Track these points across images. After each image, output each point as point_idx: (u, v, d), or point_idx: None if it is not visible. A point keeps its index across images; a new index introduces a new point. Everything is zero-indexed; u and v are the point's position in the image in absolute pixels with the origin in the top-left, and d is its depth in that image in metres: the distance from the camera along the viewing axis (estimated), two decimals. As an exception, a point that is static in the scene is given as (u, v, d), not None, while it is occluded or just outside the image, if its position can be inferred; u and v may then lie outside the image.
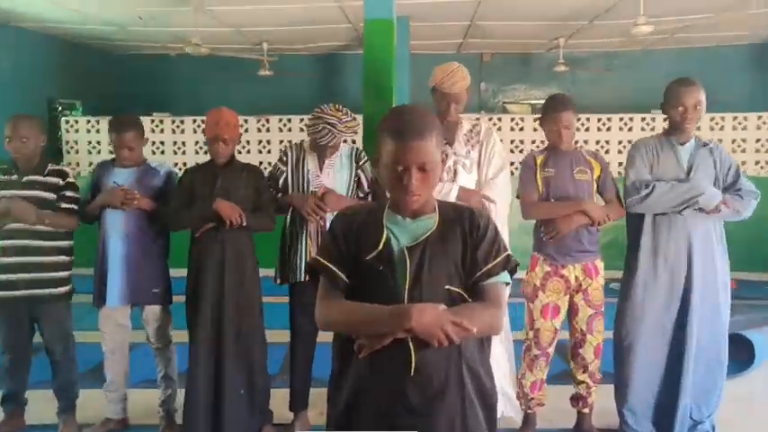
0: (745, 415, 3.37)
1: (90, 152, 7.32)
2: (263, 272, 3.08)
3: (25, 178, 3.04)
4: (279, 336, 3.32)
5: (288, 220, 3.13)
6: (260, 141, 7.28)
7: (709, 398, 2.99)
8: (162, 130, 7.27)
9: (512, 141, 7.12)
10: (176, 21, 7.37)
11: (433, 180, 1.55)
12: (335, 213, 1.74)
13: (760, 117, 6.89)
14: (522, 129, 7.12)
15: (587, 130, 7.05)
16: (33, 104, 7.88)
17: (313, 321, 2.88)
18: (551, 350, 3.05)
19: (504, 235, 2.97)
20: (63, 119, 7.58)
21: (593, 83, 10.00)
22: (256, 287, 3.08)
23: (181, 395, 3.14)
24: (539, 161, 3.04)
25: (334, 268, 1.60)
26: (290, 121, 7.29)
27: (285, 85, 9.25)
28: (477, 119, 3.00)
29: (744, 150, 6.90)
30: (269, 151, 7.27)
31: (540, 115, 3.11)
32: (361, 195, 3.13)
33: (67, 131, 7.35)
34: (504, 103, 10.34)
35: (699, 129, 6.64)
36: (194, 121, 7.30)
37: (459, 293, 1.55)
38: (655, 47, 9.34)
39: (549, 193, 2.99)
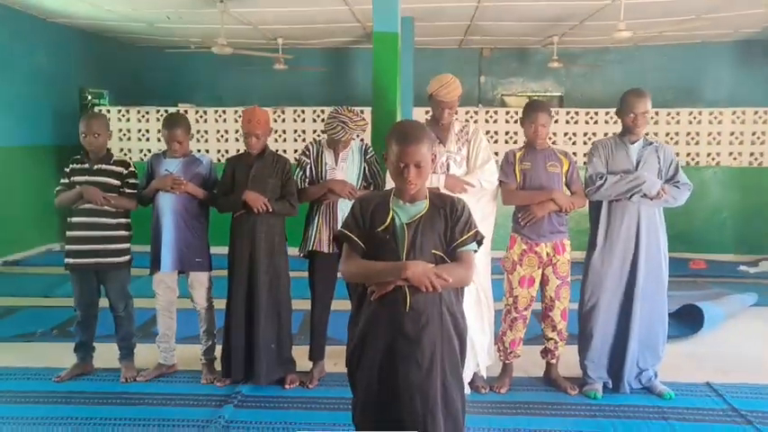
0: (687, 366, 4.03)
1: (120, 139, 7.95)
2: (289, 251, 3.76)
3: (96, 167, 3.69)
4: (297, 304, 3.90)
5: (308, 206, 3.82)
6: (275, 131, 7.85)
7: (654, 350, 3.64)
8: (186, 120, 7.88)
9: (506, 132, 7.70)
10: (200, 19, 7.98)
11: (425, 174, 2.21)
12: (357, 197, 2.41)
13: (734, 112, 7.44)
14: (516, 121, 7.67)
15: (576, 123, 7.62)
16: (66, 93, 8.60)
17: (329, 286, 3.66)
18: (527, 314, 3.68)
19: (494, 212, 3.64)
20: (95, 108, 8.21)
21: (586, 77, 10.56)
22: (283, 257, 3.73)
23: (218, 348, 3.84)
24: (518, 156, 3.65)
25: (353, 237, 2.26)
26: (303, 112, 7.84)
27: (299, 78, 9.79)
28: (467, 121, 3.54)
29: (719, 143, 7.46)
30: (284, 140, 7.87)
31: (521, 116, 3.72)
32: (365, 185, 3.76)
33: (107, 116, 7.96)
34: (503, 95, 10.90)
35: (678, 123, 7.30)
36: (216, 111, 7.91)
37: (442, 256, 2.22)
38: (644, 43, 9.86)
39: (526, 182, 3.59)
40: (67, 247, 3.72)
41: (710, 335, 4.59)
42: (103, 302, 3.85)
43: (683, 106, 7.83)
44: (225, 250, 3.73)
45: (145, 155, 7.93)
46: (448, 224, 2.22)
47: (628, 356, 3.58)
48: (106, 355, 3.94)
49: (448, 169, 3.54)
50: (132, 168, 3.80)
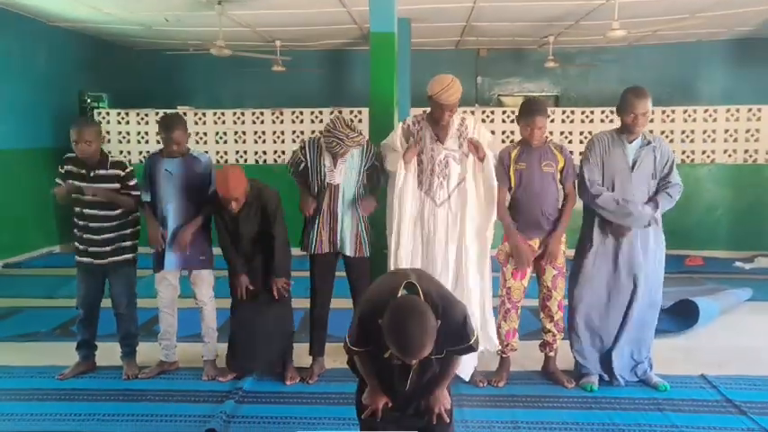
0: (682, 359, 4.08)
1: (120, 141, 7.99)
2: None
3: (93, 173, 3.71)
4: (297, 302, 3.94)
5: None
6: (274, 132, 7.91)
7: (645, 341, 3.68)
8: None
9: (503, 132, 7.76)
10: (198, 21, 8.04)
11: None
12: (362, 303, 2.45)
13: (729, 110, 7.49)
14: (513, 120, 7.73)
15: (572, 122, 7.67)
16: (66, 96, 8.66)
17: (328, 283, 3.68)
18: (520, 305, 3.72)
19: (493, 217, 3.60)
20: (95, 111, 8.26)
21: (581, 77, 10.63)
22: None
23: (220, 346, 3.91)
24: (513, 155, 3.64)
25: (359, 350, 2.42)
26: (301, 113, 7.88)
27: (297, 79, 9.83)
28: (465, 111, 3.51)
29: (714, 140, 7.51)
30: (282, 141, 7.91)
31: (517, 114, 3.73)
32: (364, 188, 3.78)
33: (99, 122, 8.01)
34: (499, 95, 10.97)
35: (673, 121, 7.35)
36: (214, 113, 7.96)
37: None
38: (639, 43, 9.93)
39: (520, 184, 3.61)
40: (76, 244, 3.79)
41: (705, 329, 4.65)
42: (106, 302, 3.90)
43: (677, 104, 7.89)
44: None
45: (144, 157, 7.96)
46: (448, 330, 2.30)
47: (618, 351, 3.64)
48: (108, 353, 3.99)
49: (447, 167, 3.53)
50: (129, 169, 3.81)
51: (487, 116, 7.78)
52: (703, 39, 9.79)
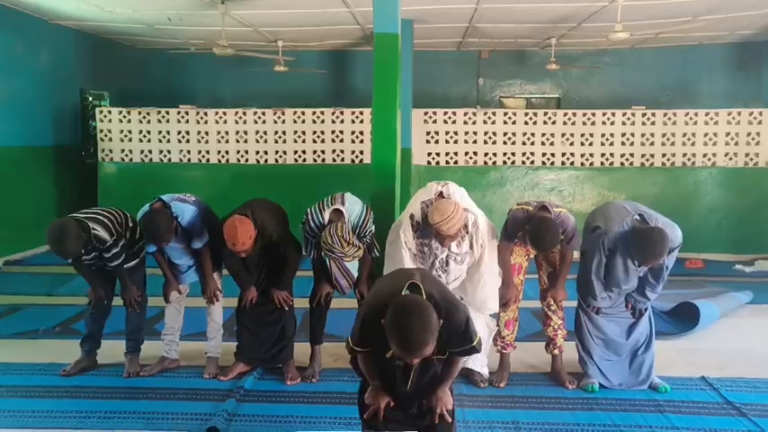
0: (682, 361, 4.10)
1: (122, 140, 8.00)
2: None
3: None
4: (297, 302, 3.94)
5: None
6: (276, 132, 7.93)
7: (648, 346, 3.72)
8: (187, 121, 7.95)
9: (504, 134, 7.77)
10: (201, 21, 8.04)
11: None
12: (365, 304, 2.48)
13: (730, 113, 7.51)
14: (514, 122, 7.77)
15: (573, 124, 7.69)
16: (68, 94, 8.67)
17: (328, 279, 3.62)
18: (518, 297, 3.77)
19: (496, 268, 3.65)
20: (97, 109, 8.25)
21: (583, 79, 10.65)
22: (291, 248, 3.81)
23: (224, 345, 3.96)
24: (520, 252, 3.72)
25: (364, 350, 2.43)
26: (303, 113, 7.90)
27: (299, 79, 9.83)
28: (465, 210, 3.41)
29: (715, 143, 7.53)
30: (284, 141, 7.92)
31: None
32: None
33: (101, 121, 8.03)
34: (501, 97, 10.98)
35: (674, 124, 7.40)
36: (216, 113, 7.97)
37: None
38: (641, 45, 9.95)
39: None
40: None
41: (706, 331, 4.65)
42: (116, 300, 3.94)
43: (679, 107, 7.91)
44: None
45: (146, 155, 7.99)
46: (449, 330, 2.33)
47: (626, 360, 3.69)
48: (109, 351, 4.00)
49: (446, 265, 3.49)
50: (109, 244, 3.61)
51: (489, 118, 7.80)
52: (705, 42, 9.80)
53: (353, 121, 7.83)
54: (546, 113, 7.83)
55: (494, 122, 7.78)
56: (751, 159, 7.51)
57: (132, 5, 7.42)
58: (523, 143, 7.76)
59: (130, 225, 3.78)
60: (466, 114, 7.81)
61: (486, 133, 7.77)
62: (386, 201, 4.23)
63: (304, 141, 7.88)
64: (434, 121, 7.81)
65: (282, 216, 3.83)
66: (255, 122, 7.92)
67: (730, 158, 7.55)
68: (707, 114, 7.55)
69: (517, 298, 3.75)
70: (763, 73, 9.90)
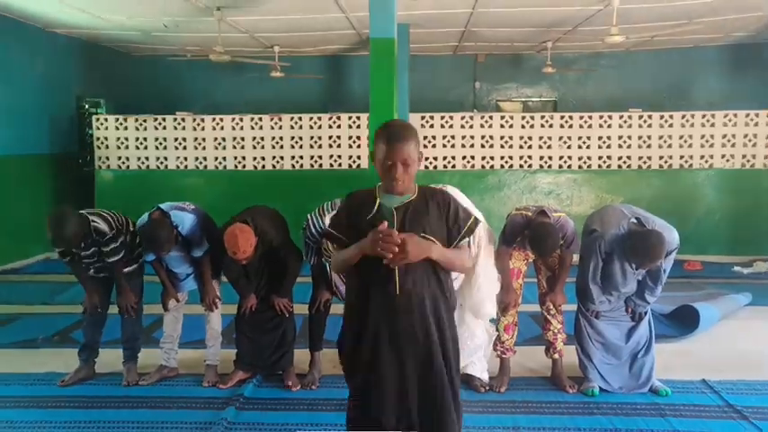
0: (683, 364, 4.07)
1: (119, 147, 7.99)
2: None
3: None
4: (296, 308, 3.94)
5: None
6: (273, 138, 7.92)
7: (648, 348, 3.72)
8: (184, 128, 7.94)
9: (501, 137, 7.78)
10: (197, 27, 8.05)
11: (412, 171, 2.22)
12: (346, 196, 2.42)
13: (726, 115, 7.53)
14: (511, 126, 7.77)
15: (570, 127, 7.70)
16: (64, 102, 8.67)
17: (327, 283, 3.59)
18: (518, 301, 3.76)
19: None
20: (93, 117, 8.24)
21: (580, 82, 10.68)
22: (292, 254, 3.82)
23: (222, 352, 3.93)
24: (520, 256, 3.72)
25: (336, 233, 2.30)
26: (300, 119, 7.88)
27: (295, 85, 9.85)
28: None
29: (712, 145, 7.54)
30: (281, 146, 7.91)
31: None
32: None
33: (98, 128, 8.01)
34: (498, 100, 11.00)
35: (671, 126, 7.41)
36: (213, 119, 7.95)
37: (431, 239, 2.20)
38: (637, 48, 9.98)
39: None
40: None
41: (706, 334, 4.65)
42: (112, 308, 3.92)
43: (675, 109, 7.93)
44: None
45: (142, 163, 7.97)
46: (441, 215, 2.24)
47: (626, 364, 3.68)
48: (108, 360, 3.98)
49: None
50: (106, 240, 3.62)
51: (486, 121, 7.81)
52: (701, 44, 9.83)
53: (350, 126, 7.81)
54: (543, 117, 7.85)
55: (491, 126, 7.79)
56: (748, 161, 7.53)
57: (127, 12, 7.42)
58: (521, 147, 7.77)
59: (131, 229, 3.78)
60: (463, 118, 7.81)
61: (483, 137, 7.78)
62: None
63: (301, 147, 7.87)
64: (431, 126, 7.81)
65: (282, 222, 3.83)
66: (252, 128, 7.91)
67: (727, 160, 7.57)
68: (703, 116, 7.58)
69: (516, 302, 3.74)
70: (758, 74, 9.92)
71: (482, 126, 7.78)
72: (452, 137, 7.82)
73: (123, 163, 8.01)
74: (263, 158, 7.95)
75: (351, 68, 10.65)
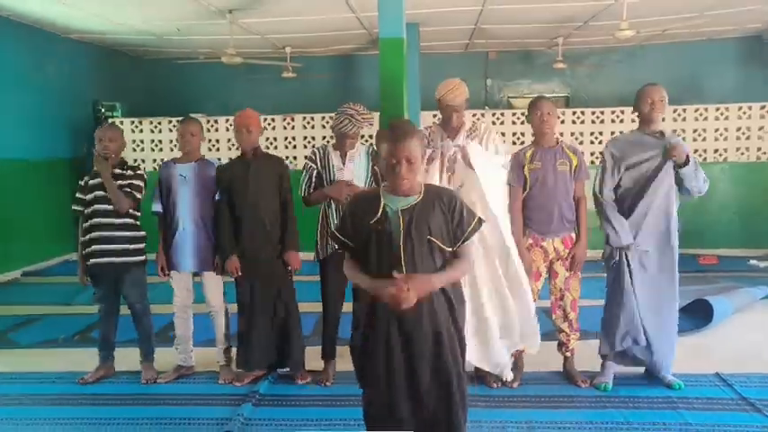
0: (696, 357, 4.07)
1: (134, 150, 8.10)
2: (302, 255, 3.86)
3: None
4: (310, 306, 4.07)
5: (321, 210, 3.86)
6: (285, 138, 8.00)
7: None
8: (198, 129, 8.02)
9: (514, 134, 7.78)
10: (209, 30, 8.13)
11: (416, 169, 2.24)
12: (350, 199, 2.48)
13: (740, 108, 7.48)
14: (523, 122, 7.76)
15: (582, 122, 7.69)
16: (81, 106, 8.79)
17: (339, 285, 3.68)
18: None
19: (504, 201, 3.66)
20: (109, 120, 8.37)
21: (591, 77, 10.61)
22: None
23: (233, 350, 3.97)
24: (527, 155, 3.69)
25: (342, 238, 2.34)
26: (312, 119, 7.96)
27: (307, 85, 9.91)
28: (478, 117, 3.58)
29: (726, 139, 7.49)
30: (294, 146, 7.99)
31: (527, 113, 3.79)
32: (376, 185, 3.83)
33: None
34: (509, 97, 10.97)
35: (684, 120, 7.34)
36: (227, 120, 8.03)
37: (438, 244, 2.24)
38: (648, 42, 9.90)
39: (535, 183, 3.64)
40: (85, 252, 3.92)
41: (720, 327, 4.64)
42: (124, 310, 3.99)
43: (689, 103, 7.88)
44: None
45: (158, 165, 8.05)
46: (446, 217, 2.26)
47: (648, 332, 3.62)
48: (127, 358, 4.07)
49: (455, 162, 3.57)
50: (140, 172, 3.91)
51: (497, 118, 7.82)
52: (713, 37, 9.74)
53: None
54: (555, 112, 7.81)
55: (503, 123, 7.79)
56: (763, 153, 7.47)
57: (141, 17, 7.52)
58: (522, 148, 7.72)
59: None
60: (474, 116, 7.82)
61: (495, 134, 7.77)
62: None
63: (314, 146, 7.89)
64: (443, 123, 7.79)
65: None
66: (265, 129, 7.98)
67: (742, 153, 7.52)
68: (717, 110, 7.53)
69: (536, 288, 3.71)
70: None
71: (494, 123, 7.78)
72: (464, 134, 7.80)
73: (139, 165, 8.10)
74: (276, 158, 8.00)
75: (362, 68, 10.69)
